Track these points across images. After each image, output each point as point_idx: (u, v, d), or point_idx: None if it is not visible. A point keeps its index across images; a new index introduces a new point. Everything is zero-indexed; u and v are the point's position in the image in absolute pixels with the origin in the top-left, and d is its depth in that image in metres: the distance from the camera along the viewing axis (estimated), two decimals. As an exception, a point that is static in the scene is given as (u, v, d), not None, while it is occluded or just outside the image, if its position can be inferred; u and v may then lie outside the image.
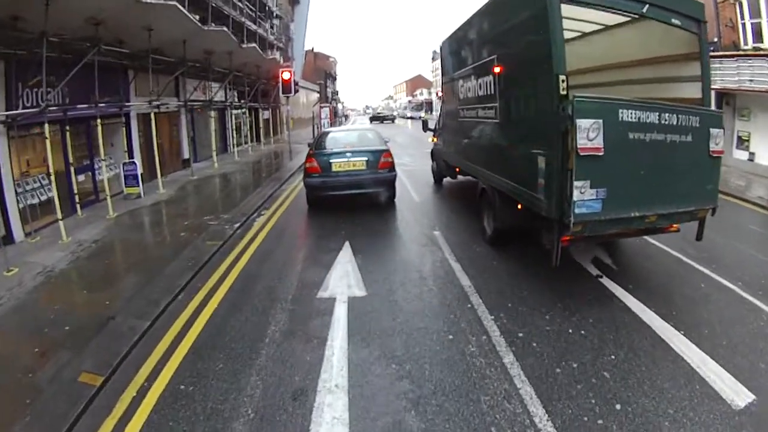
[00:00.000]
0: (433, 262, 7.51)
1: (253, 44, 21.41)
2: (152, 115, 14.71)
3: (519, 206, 6.91)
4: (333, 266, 7.38)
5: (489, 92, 7.94)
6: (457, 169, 11.34)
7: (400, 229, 9.65)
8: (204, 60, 18.63)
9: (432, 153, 15.07)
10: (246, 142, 26.55)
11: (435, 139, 14.64)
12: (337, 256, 7.81)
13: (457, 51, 10.33)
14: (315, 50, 74.02)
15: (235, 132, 25.46)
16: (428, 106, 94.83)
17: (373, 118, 71.33)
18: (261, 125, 30.98)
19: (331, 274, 7.08)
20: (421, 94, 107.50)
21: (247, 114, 27.69)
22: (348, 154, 10.89)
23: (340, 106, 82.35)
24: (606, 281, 6.66)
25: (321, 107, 39.36)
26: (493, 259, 7.55)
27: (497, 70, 7.40)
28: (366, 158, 10.83)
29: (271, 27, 35.65)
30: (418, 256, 7.83)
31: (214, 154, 19.85)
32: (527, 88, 6.59)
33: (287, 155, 23.13)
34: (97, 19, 10.53)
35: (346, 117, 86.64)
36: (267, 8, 32.07)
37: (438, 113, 14.19)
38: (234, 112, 26.03)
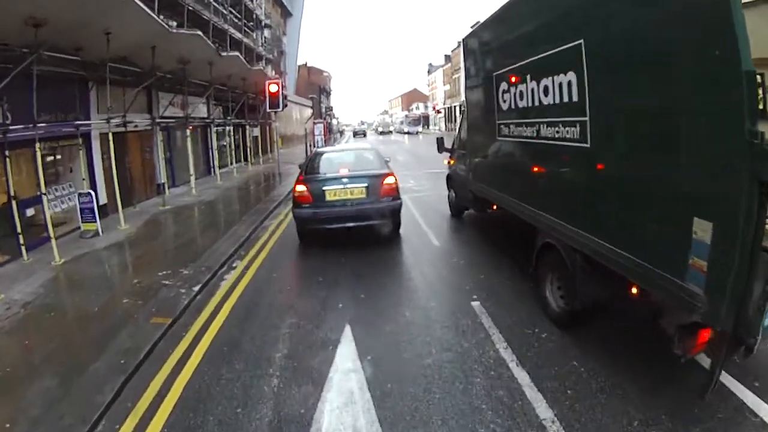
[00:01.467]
0: (485, 369, 4.74)
1: (236, 53, 18.84)
2: (112, 136, 12.01)
3: (633, 289, 4.29)
4: (327, 381, 4.68)
5: (567, 99, 5.06)
6: (494, 207, 8.73)
7: (422, 297, 6.82)
8: (179, 70, 16.14)
9: (449, 179, 12.29)
10: (232, 163, 23.93)
11: (452, 162, 11.89)
12: (334, 358, 5.12)
13: (498, 42, 7.68)
14: (309, 65, 72.10)
15: (217, 152, 22.88)
16: (425, 120, 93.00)
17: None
18: (249, 144, 28.45)
19: (325, 400, 4.36)
20: (417, 108, 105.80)
21: (232, 132, 25.02)
22: (344, 180, 9.11)
23: (334, 121, 80.00)
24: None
25: (315, 123, 36.97)
26: (572, 358, 4.83)
27: (585, 61, 4.62)
28: (365, 184, 9.09)
29: (263, 40, 33.28)
30: (458, 356, 5.04)
31: (192, 178, 17.27)
32: (666, 93, 3.65)
33: (275, 179, 20.64)
34: (37, 19, 8.37)
35: (341, 133, 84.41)
36: (255, 16, 29.62)
37: (457, 129, 11.64)
38: (218, 129, 23.52)
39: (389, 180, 9.23)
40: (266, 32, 36.70)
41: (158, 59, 14.05)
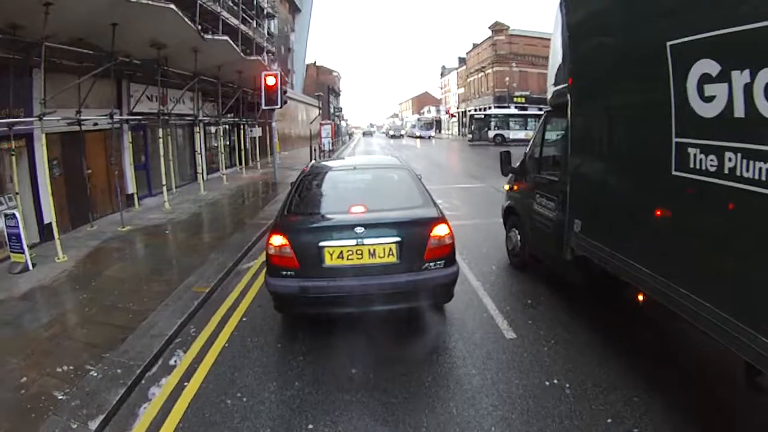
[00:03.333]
0: None
1: (225, 37, 15.63)
2: (64, 137, 9.05)
3: None
4: None
5: None
6: (641, 297, 4.69)
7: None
8: (155, 57, 13.02)
9: (509, 213, 8.40)
10: (223, 168, 20.72)
11: (516, 187, 8.25)
12: None
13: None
14: (317, 64, 69.30)
15: (203, 154, 19.48)
16: (438, 124, 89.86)
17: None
18: (248, 146, 25.28)
19: None
20: (429, 111, 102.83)
21: (224, 133, 21.76)
22: (359, 230, 5.12)
23: (343, 123, 76.92)
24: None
25: (321, 124, 33.84)
26: None
27: None
28: (397, 238, 5.16)
29: (267, 32, 30.18)
30: None
31: (164, 190, 14.04)
32: None
33: (269, 191, 17.27)
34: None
35: (350, 135, 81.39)
36: (256, 3, 26.35)
37: (532, 143, 7.88)
38: (209, 128, 20.39)
39: (440, 230, 5.29)
40: (272, 25, 33.70)
41: (125, 42, 11.11)
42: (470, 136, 54.35)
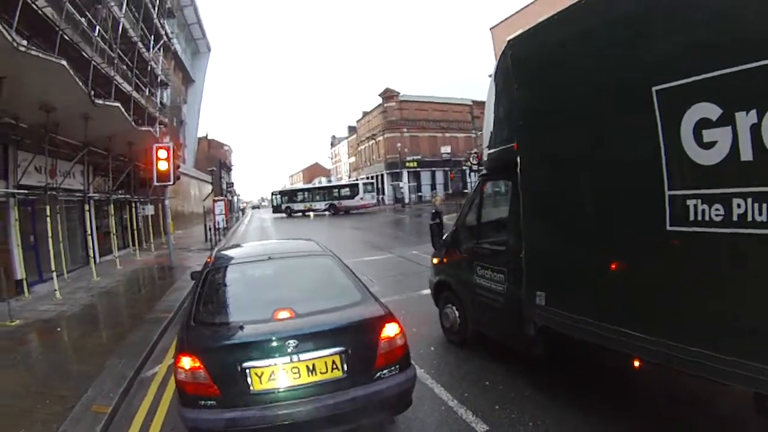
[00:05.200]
0: None
1: (117, 103, 14.12)
2: None
3: None
4: None
5: None
6: (637, 363, 4.29)
7: None
8: (44, 122, 11.36)
9: (441, 288, 7.61)
10: (115, 250, 18.53)
11: (445, 260, 7.54)
12: None
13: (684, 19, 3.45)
14: (209, 137, 67.60)
15: (95, 235, 17.25)
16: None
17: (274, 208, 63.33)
18: (140, 225, 23.08)
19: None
20: (320, 182, 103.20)
21: (113, 210, 19.72)
22: (291, 344, 4.02)
23: (236, 198, 74.71)
24: None
25: (215, 201, 32.16)
26: None
27: None
28: (339, 348, 4.15)
29: (160, 102, 28.59)
30: None
31: (55, 276, 11.86)
32: None
33: (167, 276, 15.38)
34: None
35: (243, 211, 78.98)
36: (150, 69, 24.80)
37: (467, 208, 7.23)
38: (100, 206, 18.31)
39: (390, 330, 4.39)
40: (165, 95, 32.15)
41: (12, 99, 9.74)
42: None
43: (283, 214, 57.73)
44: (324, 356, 4.06)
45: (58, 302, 11.21)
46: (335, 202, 52.76)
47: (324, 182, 71.18)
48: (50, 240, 11.91)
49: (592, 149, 4.29)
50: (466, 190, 48.63)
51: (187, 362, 3.97)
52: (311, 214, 53.29)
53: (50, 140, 12.09)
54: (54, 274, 11.87)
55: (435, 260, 7.86)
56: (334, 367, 4.07)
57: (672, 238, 3.51)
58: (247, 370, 3.92)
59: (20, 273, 11.63)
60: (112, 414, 5.51)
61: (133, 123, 16.52)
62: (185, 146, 45.24)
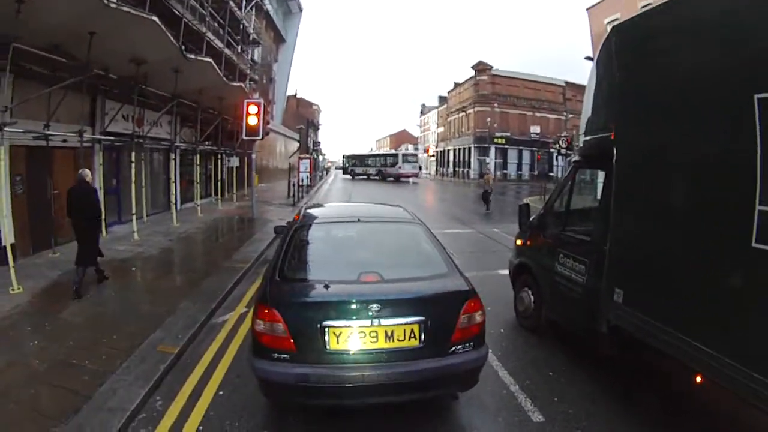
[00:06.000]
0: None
1: (208, 59, 14.63)
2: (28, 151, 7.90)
3: None
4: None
5: None
6: (699, 379, 4.12)
7: None
8: (134, 73, 11.97)
9: (520, 270, 7.53)
10: (197, 198, 19.49)
11: (529, 243, 7.37)
12: None
13: None
14: (298, 96, 68.75)
15: (178, 183, 18.13)
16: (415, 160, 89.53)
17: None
18: (224, 176, 24.05)
19: None
20: (407, 149, 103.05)
21: (200, 161, 20.65)
22: (373, 308, 4.04)
23: (321, 158, 76.13)
24: None
25: (300, 158, 32.82)
26: None
27: None
28: (420, 318, 4.14)
29: (251, 60, 29.33)
30: None
31: (134, 219, 12.68)
32: None
33: (246, 227, 15.99)
34: None
35: (327, 171, 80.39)
36: (242, 27, 25.45)
37: (558, 194, 7.01)
38: (186, 155, 19.22)
39: (472, 307, 4.36)
40: (256, 53, 32.94)
41: (103, 53, 10.10)
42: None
43: (348, 176, 63.79)
44: (404, 324, 4.10)
45: (136, 243, 11.92)
46: (382, 169, 57.42)
47: (388, 150, 74.14)
48: (133, 185, 12.63)
49: (688, 149, 4.11)
50: (551, 173, 47.15)
51: (267, 314, 4.07)
52: (367, 175, 59.86)
53: (139, 91, 12.74)
54: (134, 217, 12.61)
55: (518, 241, 7.80)
56: (412, 335, 4.10)
57: (756, 256, 3.29)
58: (326, 329, 4.00)
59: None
60: (179, 355, 5.81)
61: (224, 78, 17.09)
62: (274, 103, 46.47)
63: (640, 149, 4.82)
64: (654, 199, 4.54)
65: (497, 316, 7.42)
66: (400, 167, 54.86)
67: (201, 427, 4.38)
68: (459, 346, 4.24)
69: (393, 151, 64.35)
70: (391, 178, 54.65)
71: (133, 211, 12.66)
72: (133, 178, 12.67)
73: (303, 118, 58.11)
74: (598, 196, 5.90)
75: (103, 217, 9.80)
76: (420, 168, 59.42)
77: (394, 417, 4.55)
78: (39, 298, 7.63)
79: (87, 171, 8.69)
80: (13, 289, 7.60)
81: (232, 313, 7.57)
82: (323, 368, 3.98)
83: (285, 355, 4.01)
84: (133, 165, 12.70)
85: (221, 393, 5.02)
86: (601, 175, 5.95)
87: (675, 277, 4.16)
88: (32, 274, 8.62)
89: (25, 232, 9.77)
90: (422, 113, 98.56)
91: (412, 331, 4.10)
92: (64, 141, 10.66)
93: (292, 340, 4.00)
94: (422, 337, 4.11)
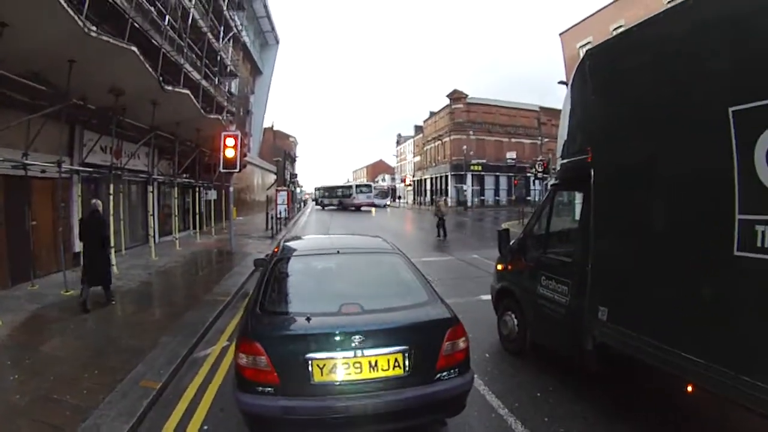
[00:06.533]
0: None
1: (186, 90, 14.56)
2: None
3: None
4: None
5: None
6: (690, 388, 4.14)
7: None
8: (112, 104, 11.85)
9: (502, 295, 7.53)
10: (175, 231, 19.17)
11: (509, 267, 7.40)
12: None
13: None
14: (275, 128, 68.90)
15: (156, 215, 17.87)
16: (393, 192, 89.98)
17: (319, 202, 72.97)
18: (202, 209, 23.79)
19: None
20: (384, 180, 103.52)
21: (177, 193, 20.42)
22: (356, 339, 4.06)
23: (298, 190, 76.03)
24: None
25: (278, 191, 32.74)
26: None
27: None
28: (403, 347, 4.14)
29: (228, 92, 29.36)
30: None
31: (113, 252, 12.41)
32: None
33: (226, 260, 15.75)
34: None
35: (304, 203, 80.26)
36: (219, 59, 25.53)
37: (538, 217, 7.07)
38: (163, 188, 18.98)
39: (455, 334, 4.41)
40: (233, 85, 33.03)
41: (82, 82, 10.01)
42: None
43: (319, 206, 70.42)
44: (387, 353, 4.09)
45: (115, 276, 11.53)
46: (342, 200, 63.71)
47: (358, 182, 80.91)
48: (111, 217, 12.35)
49: (666, 164, 4.20)
50: (529, 197, 47.78)
51: (250, 348, 4.04)
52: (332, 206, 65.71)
53: (117, 122, 12.60)
54: (112, 250, 12.32)
55: (499, 266, 7.80)
56: (396, 365, 4.10)
57: (738, 265, 3.39)
58: (310, 361, 3.97)
59: (79, 246, 12.17)
60: (161, 390, 5.63)
61: (201, 110, 17.01)
62: (251, 135, 46.44)
63: (618, 169, 4.91)
64: (633, 217, 4.62)
65: (481, 341, 7.43)
66: (354, 197, 61.16)
67: None
68: (444, 373, 4.25)
69: (348, 184, 71.81)
70: (353, 208, 59.40)
71: (112, 245, 12.38)
72: (111, 211, 12.39)
73: (280, 150, 58.35)
74: (577, 218, 5.98)
75: (112, 244, 10.48)
76: (391, 196, 62.47)
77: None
78: (18, 331, 7.40)
79: (98, 202, 9.45)
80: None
81: (214, 347, 7.41)
82: (308, 400, 3.97)
83: (269, 388, 3.97)
84: (111, 197, 12.45)
85: (205, 428, 4.87)
86: (579, 197, 6.00)
87: (659, 291, 4.22)
88: (11, 307, 8.43)
89: (3, 264, 9.63)
90: (398, 143, 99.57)
91: (396, 360, 4.11)
92: (43, 171, 10.48)
93: (275, 373, 3.97)
94: (406, 365, 4.12)
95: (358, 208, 58.43)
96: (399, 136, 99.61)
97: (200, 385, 5.93)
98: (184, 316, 8.58)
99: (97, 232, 9.08)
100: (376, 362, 4.05)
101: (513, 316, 7.04)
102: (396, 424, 4.23)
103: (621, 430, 4.75)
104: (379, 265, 5.67)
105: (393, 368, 4.09)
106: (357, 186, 65.82)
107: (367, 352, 4.03)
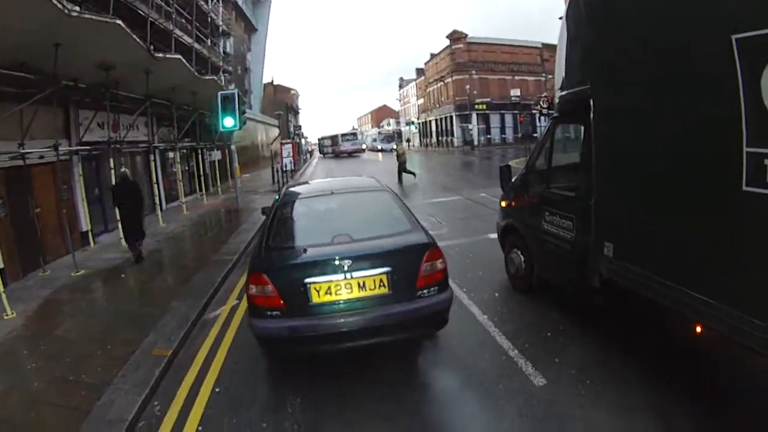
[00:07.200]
0: None
1: (177, 56, 14.51)
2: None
3: None
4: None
5: None
6: (699, 329, 4.01)
7: None
8: (103, 80, 11.87)
9: (507, 232, 7.53)
10: (182, 196, 19.42)
11: (514, 203, 7.38)
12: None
13: None
14: (275, 82, 68.20)
15: (161, 183, 18.10)
16: (399, 136, 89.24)
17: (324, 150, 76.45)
18: (207, 171, 23.96)
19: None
20: (389, 124, 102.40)
21: (179, 158, 20.60)
22: (345, 262, 4.78)
23: (303, 141, 75.73)
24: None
25: (282, 144, 32.64)
26: None
27: None
28: (387, 268, 4.84)
29: (223, 51, 28.99)
30: None
31: (119, 225, 12.68)
32: None
33: (234, 219, 16.06)
34: None
35: (311, 153, 79.98)
36: (210, 21, 25.16)
37: (537, 152, 7.03)
38: (166, 154, 19.14)
39: (432, 256, 4.99)
40: (227, 45, 32.56)
41: (70, 64, 10.10)
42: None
43: (322, 155, 76.27)
44: (373, 275, 4.81)
45: (124, 249, 11.88)
46: (333, 147, 70.47)
47: (335, 133, 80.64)
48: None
49: (667, 96, 3.98)
50: (535, 134, 47.24)
51: (258, 279, 4.82)
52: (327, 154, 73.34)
53: (111, 96, 12.67)
54: (119, 224, 12.60)
55: (503, 203, 7.79)
56: (381, 284, 4.82)
57: (747, 200, 3.20)
58: (308, 285, 4.73)
59: (85, 225, 12.55)
60: (173, 356, 5.94)
61: (195, 73, 16.95)
62: (251, 92, 46.08)
63: (618, 101, 4.71)
64: (637, 151, 4.42)
65: (490, 280, 7.68)
66: (341, 145, 67.53)
67: (200, 428, 4.54)
68: (424, 291, 4.91)
69: (334, 133, 76.26)
70: (345, 155, 64.47)
71: (118, 217, 12.65)
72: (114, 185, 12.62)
73: (282, 104, 57.82)
74: (579, 152, 5.84)
75: (145, 203, 12.01)
76: (399, 139, 61.55)
77: (399, 387, 4.90)
78: (32, 319, 7.62)
79: (126, 170, 11.16)
80: (6, 315, 7.60)
81: (224, 306, 7.72)
82: (309, 320, 4.72)
83: (276, 312, 4.75)
84: (113, 172, 12.66)
85: (218, 390, 5.18)
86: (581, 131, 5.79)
87: (664, 227, 4.09)
88: (23, 296, 8.59)
89: (13, 255, 9.65)
90: (401, 87, 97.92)
91: (381, 280, 4.81)
92: (41, 157, 10.54)
93: (281, 299, 4.72)
94: (390, 285, 4.81)
95: (349, 155, 64.20)
96: (401, 79, 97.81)
97: (211, 347, 6.26)
98: (192, 280, 8.95)
99: (133, 194, 10.67)
100: (364, 283, 4.79)
101: (519, 253, 7.07)
102: (386, 337, 4.87)
103: (632, 369, 4.77)
104: (368, 202, 6.36)
105: (378, 287, 4.81)
106: (342, 135, 71.53)
107: (355, 274, 4.76)
